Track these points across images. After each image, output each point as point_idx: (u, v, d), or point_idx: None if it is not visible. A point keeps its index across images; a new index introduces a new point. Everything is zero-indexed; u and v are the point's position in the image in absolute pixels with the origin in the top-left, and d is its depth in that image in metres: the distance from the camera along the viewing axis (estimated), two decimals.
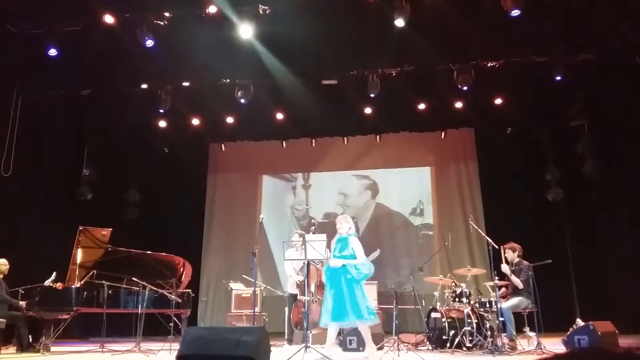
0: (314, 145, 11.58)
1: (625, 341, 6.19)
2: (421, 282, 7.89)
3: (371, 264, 5.78)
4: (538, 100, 9.57)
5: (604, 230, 9.49)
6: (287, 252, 6.84)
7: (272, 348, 4.71)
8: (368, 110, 9.88)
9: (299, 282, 7.18)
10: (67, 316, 6.91)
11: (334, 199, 11.73)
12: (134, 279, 6.90)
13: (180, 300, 7.31)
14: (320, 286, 6.79)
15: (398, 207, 11.55)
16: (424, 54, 8.00)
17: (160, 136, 10.83)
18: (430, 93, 9.39)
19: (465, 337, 6.21)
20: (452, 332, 6.34)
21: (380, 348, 6.50)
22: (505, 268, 6.50)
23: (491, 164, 10.92)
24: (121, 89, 9.22)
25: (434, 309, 6.74)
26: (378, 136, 11.40)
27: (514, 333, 6.23)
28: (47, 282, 6.82)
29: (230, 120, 10.36)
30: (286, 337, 7.51)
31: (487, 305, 6.45)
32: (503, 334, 6.05)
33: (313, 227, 7.51)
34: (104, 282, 6.94)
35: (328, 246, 6.16)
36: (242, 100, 9.02)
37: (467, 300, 6.52)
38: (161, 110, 9.36)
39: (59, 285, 6.82)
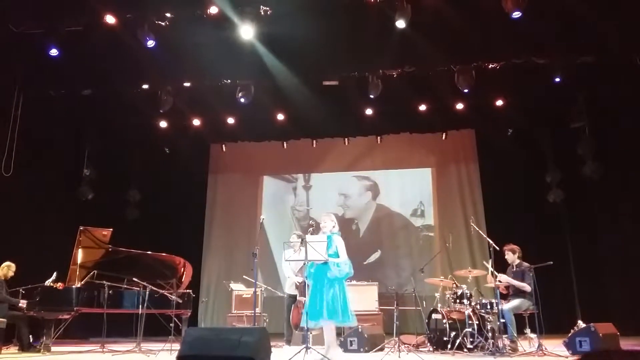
0: (314, 146, 11.59)
1: (626, 343, 6.18)
2: (422, 284, 7.89)
3: (351, 264, 5.70)
4: (538, 102, 9.57)
5: (604, 232, 9.49)
6: (286, 253, 6.84)
7: (272, 349, 4.70)
8: (369, 111, 9.88)
9: (298, 284, 7.17)
10: (67, 316, 6.91)
11: (335, 200, 11.74)
12: (134, 279, 6.90)
13: (180, 301, 7.31)
14: None
15: (399, 208, 11.56)
16: (425, 55, 7.99)
17: (161, 136, 10.83)
18: (431, 94, 9.39)
19: (466, 339, 6.20)
20: (453, 334, 6.33)
21: (381, 349, 6.51)
22: (505, 278, 6.50)
23: (492, 165, 10.93)
24: (122, 89, 9.22)
25: (435, 310, 6.73)
26: (379, 137, 11.40)
27: (515, 334, 6.22)
28: (48, 282, 6.82)
29: (231, 120, 10.36)
30: (285, 337, 7.51)
31: (488, 307, 6.45)
32: (504, 336, 6.04)
33: (311, 229, 7.49)
34: (104, 282, 6.94)
35: None
36: (242, 100, 9.02)
37: (468, 302, 6.52)
38: (162, 111, 9.36)
39: (59, 285, 6.83)
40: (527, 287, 6.43)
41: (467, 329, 6.24)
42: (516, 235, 7.35)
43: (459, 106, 9.68)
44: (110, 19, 7.33)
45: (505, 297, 6.68)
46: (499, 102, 9.58)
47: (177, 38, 7.61)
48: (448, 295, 6.83)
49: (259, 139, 11.68)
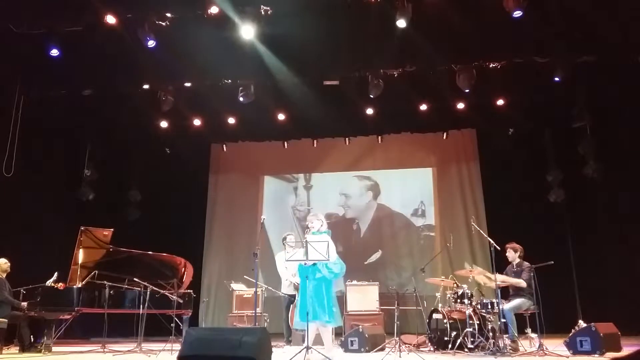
0: (315, 146, 11.59)
1: (627, 343, 6.17)
2: (423, 283, 7.89)
3: (343, 264, 5.70)
4: (540, 101, 9.56)
5: (605, 232, 9.47)
6: (279, 254, 6.82)
7: (273, 349, 4.70)
8: (370, 111, 9.88)
9: (297, 284, 7.16)
10: (68, 316, 6.92)
11: (336, 200, 11.74)
12: (135, 279, 6.91)
13: (181, 301, 7.32)
14: None
15: (400, 208, 11.55)
16: (426, 54, 8.00)
17: (161, 136, 10.83)
18: (432, 94, 9.39)
19: (467, 339, 6.20)
20: (453, 334, 6.33)
21: (382, 349, 6.51)
22: (501, 277, 6.49)
23: (493, 164, 10.92)
24: (123, 89, 9.22)
25: (436, 310, 6.72)
26: (380, 137, 11.40)
27: (516, 334, 6.21)
28: (49, 283, 6.83)
29: (231, 120, 10.36)
30: (285, 338, 7.51)
31: (489, 307, 6.44)
32: (505, 335, 6.03)
33: (307, 230, 7.48)
34: (105, 282, 6.94)
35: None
36: (241, 99, 9.01)
37: (469, 302, 6.51)
38: (163, 111, 9.36)
39: (60, 285, 6.83)
40: (522, 283, 6.43)
41: (467, 329, 6.23)
42: (517, 234, 7.34)
43: (460, 106, 9.68)
44: (110, 19, 7.33)
45: (506, 297, 6.67)
46: (500, 102, 9.57)
47: (177, 38, 7.60)
48: (449, 295, 6.82)
49: (259, 139, 11.68)
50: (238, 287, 8.89)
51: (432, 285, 7.66)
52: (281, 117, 10.13)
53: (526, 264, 6.56)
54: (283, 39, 7.62)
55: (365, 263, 11.14)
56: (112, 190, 11.01)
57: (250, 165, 12.14)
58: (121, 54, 7.93)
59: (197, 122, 10.42)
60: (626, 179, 9.09)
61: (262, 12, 7.24)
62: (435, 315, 6.68)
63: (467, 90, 8.56)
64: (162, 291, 7.08)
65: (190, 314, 7.80)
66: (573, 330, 6.14)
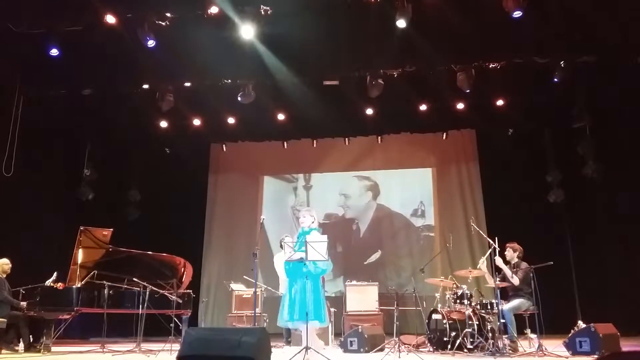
0: (315, 146, 11.59)
1: (626, 343, 6.17)
2: (422, 284, 7.89)
3: (330, 261, 5.68)
4: (539, 102, 9.55)
5: (605, 232, 9.48)
6: (278, 255, 6.82)
7: (272, 349, 4.70)
8: (369, 111, 9.87)
9: None
10: (67, 316, 6.92)
11: (335, 200, 11.74)
12: (134, 279, 6.91)
13: (180, 301, 7.32)
14: None
15: (399, 209, 11.55)
16: (426, 54, 7.99)
17: (161, 136, 10.83)
18: (431, 94, 9.39)
19: (467, 339, 6.20)
20: (453, 334, 6.32)
21: (381, 350, 6.50)
22: (500, 262, 6.48)
23: (492, 165, 10.92)
24: (122, 89, 9.22)
25: (435, 311, 6.72)
26: (379, 137, 11.40)
27: (515, 335, 6.21)
28: (48, 282, 6.83)
29: (231, 120, 10.36)
30: (284, 338, 7.50)
31: (488, 307, 6.44)
32: (504, 336, 6.03)
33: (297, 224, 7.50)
34: (104, 282, 6.94)
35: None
36: (240, 99, 9.00)
37: (469, 302, 6.51)
38: (162, 111, 9.35)
39: (59, 285, 6.83)
40: (515, 280, 6.42)
41: (467, 329, 6.23)
42: (516, 235, 7.33)
43: (460, 106, 9.67)
44: (110, 19, 7.32)
45: (505, 297, 6.67)
46: (500, 102, 9.57)
47: (177, 38, 7.60)
48: (448, 296, 6.82)
49: (259, 139, 11.68)
50: (237, 287, 8.89)
51: (432, 285, 7.65)
52: (281, 117, 10.13)
53: (524, 264, 6.55)
54: (283, 39, 7.62)
55: (365, 263, 11.14)
56: (111, 190, 11.01)
57: (250, 165, 12.14)
58: (121, 54, 7.92)
59: (196, 122, 10.42)
60: (626, 179, 9.09)
61: (262, 12, 7.23)
62: (434, 316, 6.67)
63: (467, 91, 8.56)
64: (161, 291, 7.08)
65: (189, 314, 7.79)
66: (572, 331, 6.14)
